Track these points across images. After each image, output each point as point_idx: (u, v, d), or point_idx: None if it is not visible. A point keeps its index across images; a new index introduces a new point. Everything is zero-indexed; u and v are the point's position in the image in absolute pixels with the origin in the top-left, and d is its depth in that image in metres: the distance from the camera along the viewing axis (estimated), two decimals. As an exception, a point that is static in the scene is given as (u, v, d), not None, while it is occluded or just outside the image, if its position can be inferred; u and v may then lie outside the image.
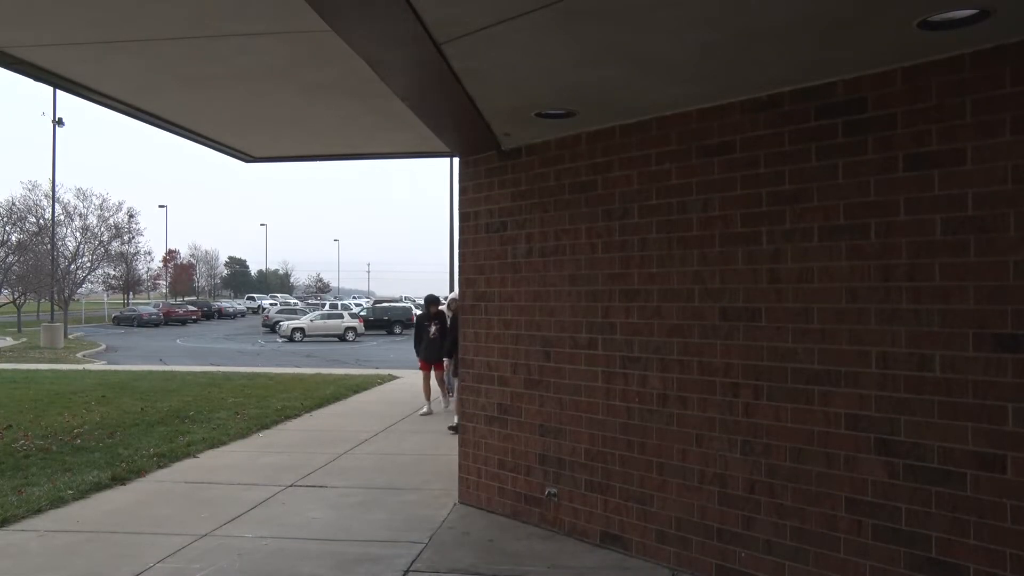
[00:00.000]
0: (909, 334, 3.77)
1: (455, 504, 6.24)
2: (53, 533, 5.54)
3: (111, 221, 44.16)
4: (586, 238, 5.30)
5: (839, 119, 4.02)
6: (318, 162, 7.63)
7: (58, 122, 36.36)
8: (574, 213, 5.38)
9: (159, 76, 4.58)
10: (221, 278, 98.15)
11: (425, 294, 11.57)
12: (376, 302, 53.56)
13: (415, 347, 11.18)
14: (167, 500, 6.47)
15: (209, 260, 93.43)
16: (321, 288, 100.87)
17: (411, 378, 8.01)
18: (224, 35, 3.84)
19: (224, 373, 17.27)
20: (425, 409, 10.82)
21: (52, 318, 36.97)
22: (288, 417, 10.75)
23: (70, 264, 39.81)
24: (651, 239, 4.90)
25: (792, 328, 4.21)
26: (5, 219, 40.07)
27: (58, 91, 10.16)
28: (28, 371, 18.34)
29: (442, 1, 3.17)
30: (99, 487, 6.77)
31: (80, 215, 42.51)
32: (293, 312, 45.58)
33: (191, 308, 55.01)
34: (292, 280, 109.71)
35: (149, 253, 60.73)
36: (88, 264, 42.05)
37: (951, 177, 3.64)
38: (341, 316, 39.38)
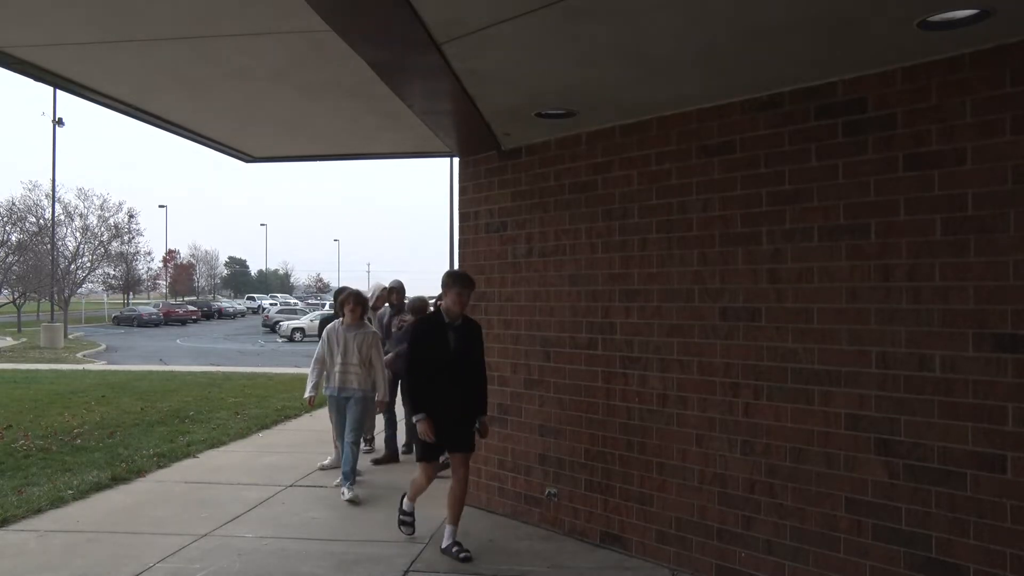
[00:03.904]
0: (909, 334, 3.77)
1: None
2: (53, 533, 5.54)
3: (111, 221, 44.12)
4: (586, 238, 5.30)
5: (839, 119, 4.02)
6: (318, 162, 7.63)
7: (58, 122, 36.36)
8: (574, 213, 5.38)
9: (159, 76, 4.58)
10: (221, 278, 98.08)
11: (413, 295, 8.44)
12: None
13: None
14: (167, 500, 6.47)
15: (209, 260, 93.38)
16: (321, 288, 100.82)
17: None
18: (224, 35, 3.84)
19: (224, 373, 17.26)
20: (329, 460, 7.58)
21: (52, 318, 36.95)
22: (288, 417, 10.75)
23: (70, 264, 39.79)
24: (651, 239, 4.90)
25: (792, 328, 4.21)
26: (5, 219, 40.05)
27: (58, 91, 10.13)
28: (28, 371, 18.34)
29: (442, 1, 3.17)
30: (99, 487, 6.77)
31: (80, 215, 42.51)
32: (293, 312, 45.60)
33: (191, 308, 54.99)
34: (292, 280, 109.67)
35: (149, 253, 60.66)
36: (88, 264, 42.03)
37: (951, 177, 3.64)
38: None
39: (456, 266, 6.79)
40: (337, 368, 6.48)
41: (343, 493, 6.39)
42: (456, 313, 4.95)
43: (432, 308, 8.26)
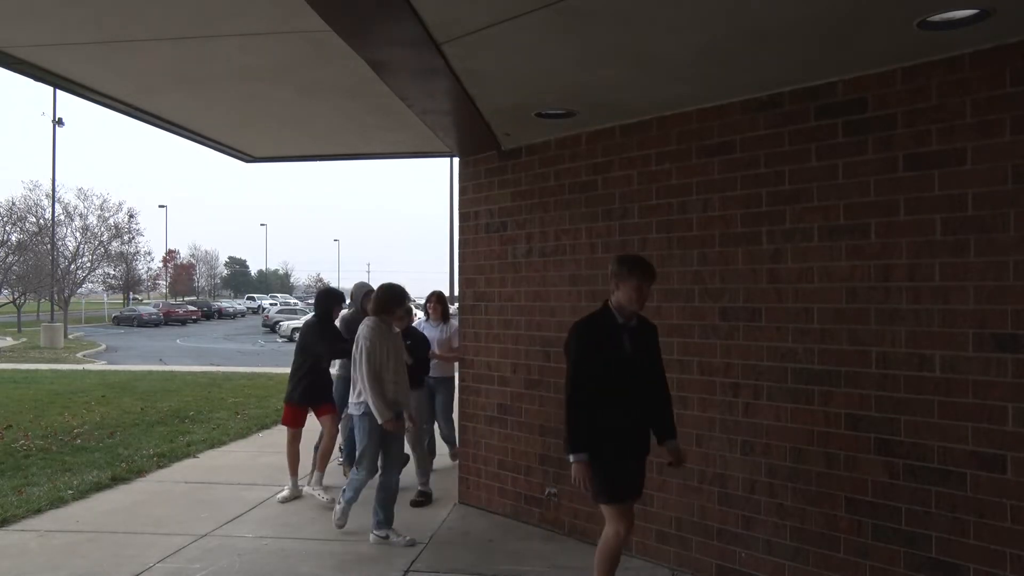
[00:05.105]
0: (909, 334, 3.77)
1: (455, 504, 6.23)
2: (53, 533, 5.54)
3: (111, 221, 44.08)
4: (586, 238, 5.30)
5: (839, 119, 4.02)
6: (318, 162, 7.63)
7: (58, 122, 36.38)
8: (574, 213, 5.38)
9: (159, 76, 4.58)
10: (221, 278, 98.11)
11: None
12: None
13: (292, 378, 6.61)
14: (167, 500, 6.47)
15: (209, 260, 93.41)
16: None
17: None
18: (224, 35, 3.84)
19: (224, 373, 17.27)
20: (287, 491, 6.50)
21: (52, 318, 36.91)
22: (288, 417, 10.72)
23: (70, 264, 39.77)
24: (651, 239, 4.90)
25: (792, 328, 4.21)
26: (5, 219, 40.02)
27: (58, 91, 10.11)
28: (28, 371, 18.34)
29: (442, 1, 3.17)
30: (99, 487, 6.77)
31: (80, 215, 42.47)
32: (293, 312, 45.50)
33: (191, 308, 54.96)
34: (292, 280, 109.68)
35: (149, 253, 60.63)
36: (88, 264, 42.00)
37: (951, 177, 3.64)
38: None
39: (456, 267, 6.17)
40: (390, 380, 5.28)
41: (393, 538, 5.31)
42: (631, 312, 3.83)
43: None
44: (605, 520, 3.84)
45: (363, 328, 5.30)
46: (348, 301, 7.08)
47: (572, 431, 3.69)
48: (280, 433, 9.60)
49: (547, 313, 5.57)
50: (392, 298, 5.43)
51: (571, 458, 3.70)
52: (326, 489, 6.34)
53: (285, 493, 6.47)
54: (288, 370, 6.80)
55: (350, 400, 5.37)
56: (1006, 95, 3.47)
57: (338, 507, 5.56)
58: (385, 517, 5.33)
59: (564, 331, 5.38)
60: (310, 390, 6.47)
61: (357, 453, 5.38)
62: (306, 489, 6.49)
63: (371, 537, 5.31)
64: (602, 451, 3.71)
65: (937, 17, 3.22)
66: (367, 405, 5.19)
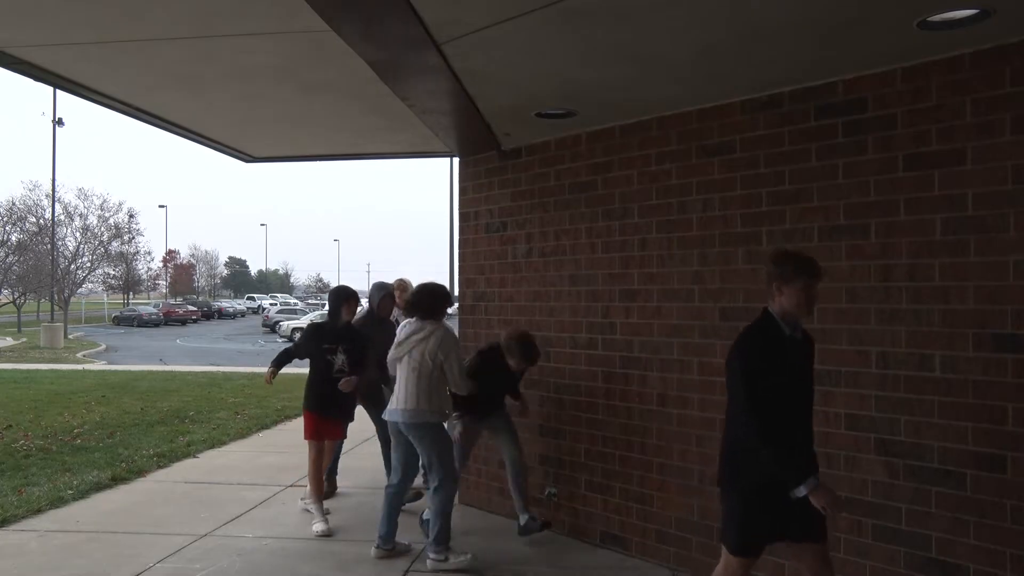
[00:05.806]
0: (909, 334, 3.77)
1: (455, 504, 6.22)
2: (53, 533, 5.54)
3: (111, 221, 44.06)
4: (586, 238, 5.30)
5: (839, 119, 4.01)
6: (318, 162, 7.63)
7: (58, 122, 36.38)
8: (574, 213, 5.38)
9: (159, 76, 4.58)
10: (221, 278, 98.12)
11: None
12: None
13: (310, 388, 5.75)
14: (167, 500, 6.47)
15: (209, 260, 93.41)
16: (321, 288, 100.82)
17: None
18: (224, 35, 3.84)
19: (224, 373, 17.27)
20: (321, 526, 5.54)
21: (52, 318, 36.91)
22: (288, 417, 10.74)
23: (70, 264, 39.76)
24: (651, 239, 4.90)
25: (792, 328, 4.20)
26: (5, 219, 40.00)
27: (58, 91, 10.11)
28: (28, 371, 18.33)
29: (442, 1, 3.17)
30: (99, 487, 6.77)
31: (80, 215, 42.46)
32: (293, 312, 45.49)
33: (191, 308, 54.94)
34: (292, 280, 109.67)
35: (149, 253, 60.72)
36: (88, 264, 42.00)
37: (951, 177, 3.64)
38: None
39: (456, 267, 6.05)
40: None
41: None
42: (795, 321, 3.22)
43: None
44: (721, 561, 3.25)
45: (453, 336, 4.94)
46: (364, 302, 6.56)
47: (787, 461, 3.08)
48: (280, 434, 9.63)
49: (547, 313, 5.57)
50: (447, 299, 5.00)
51: (802, 490, 3.03)
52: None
53: (322, 527, 5.51)
54: (287, 370, 6.69)
55: (425, 408, 4.75)
56: (1006, 95, 3.47)
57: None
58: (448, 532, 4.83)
59: (564, 331, 5.43)
60: (344, 403, 5.73)
61: (457, 463, 4.96)
62: (300, 503, 6.08)
63: (429, 563, 4.78)
64: (757, 490, 3.14)
65: (937, 17, 3.22)
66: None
